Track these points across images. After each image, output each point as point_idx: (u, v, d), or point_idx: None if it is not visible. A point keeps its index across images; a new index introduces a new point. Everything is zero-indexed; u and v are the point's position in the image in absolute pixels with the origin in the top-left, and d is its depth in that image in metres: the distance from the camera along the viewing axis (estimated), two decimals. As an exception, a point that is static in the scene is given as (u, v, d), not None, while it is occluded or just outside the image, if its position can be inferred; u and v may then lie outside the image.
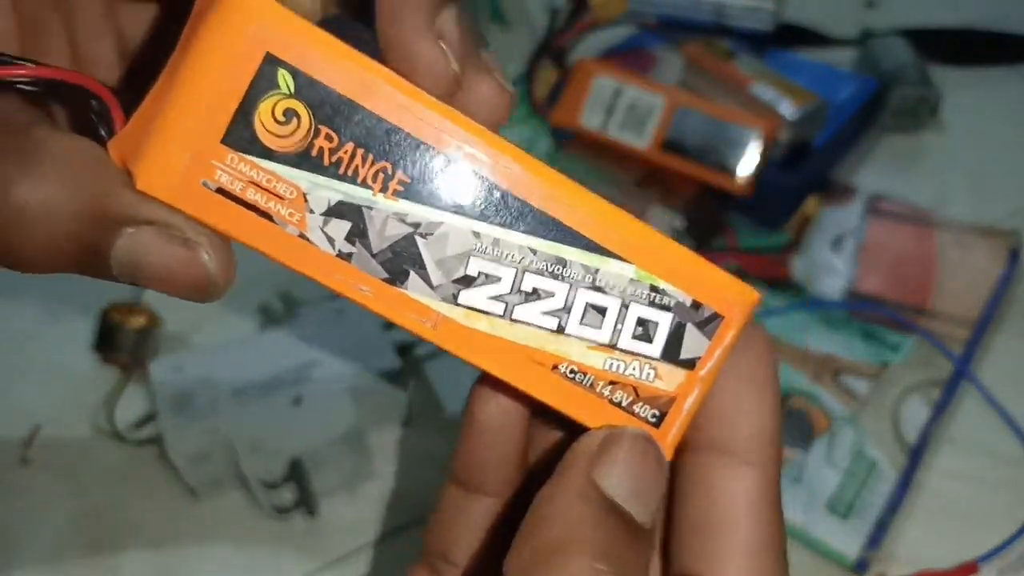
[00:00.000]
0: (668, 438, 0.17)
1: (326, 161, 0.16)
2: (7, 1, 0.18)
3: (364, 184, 0.16)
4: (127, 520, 0.38)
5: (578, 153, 0.50)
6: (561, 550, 0.14)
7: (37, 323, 0.47)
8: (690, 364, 0.17)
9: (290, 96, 0.15)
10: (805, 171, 0.49)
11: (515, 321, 0.17)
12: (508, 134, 0.63)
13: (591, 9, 0.55)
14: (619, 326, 0.17)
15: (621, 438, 0.16)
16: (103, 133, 0.16)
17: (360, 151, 0.16)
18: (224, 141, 0.15)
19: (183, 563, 0.36)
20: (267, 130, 0.15)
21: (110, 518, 0.38)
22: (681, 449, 0.17)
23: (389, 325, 0.42)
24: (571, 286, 0.17)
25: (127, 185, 0.15)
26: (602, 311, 0.17)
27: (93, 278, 0.16)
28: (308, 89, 0.15)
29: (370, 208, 0.16)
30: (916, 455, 0.38)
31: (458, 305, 0.17)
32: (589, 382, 0.17)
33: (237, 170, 0.15)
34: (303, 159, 0.16)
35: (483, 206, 0.16)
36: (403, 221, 0.16)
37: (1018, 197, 0.53)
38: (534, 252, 0.16)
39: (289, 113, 0.15)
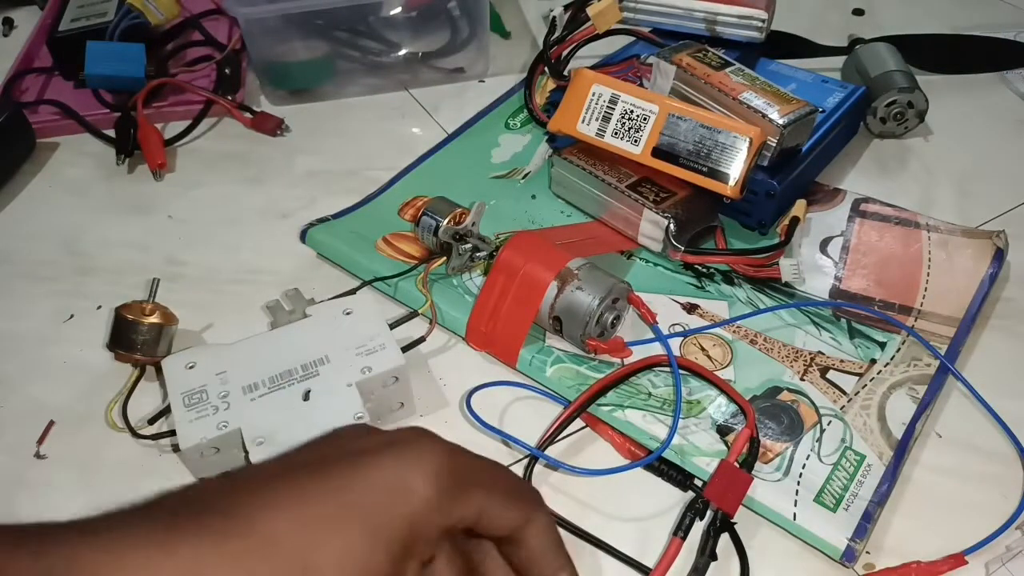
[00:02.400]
0: None
1: None
2: None
3: None
4: (140, 512, 0.38)
5: (575, 158, 0.51)
6: None
7: (52, 321, 0.48)
8: None
9: None
10: (794, 175, 0.50)
11: None
12: (509, 138, 0.65)
13: (588, 20, 0.56)
14: None
15: None
16: None
17: None
18: None
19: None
20: None
21: (124, 511, 0.39)
22: None
23: (394, 323, 0.44)
24: None
25: None
26: None
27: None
28: None
29: None
30: (903, 449, 0.39)
31: None
32: None
33: None
34: None
35: None
36: None
37: (1002, 199, 0.54)
38: None
39: None
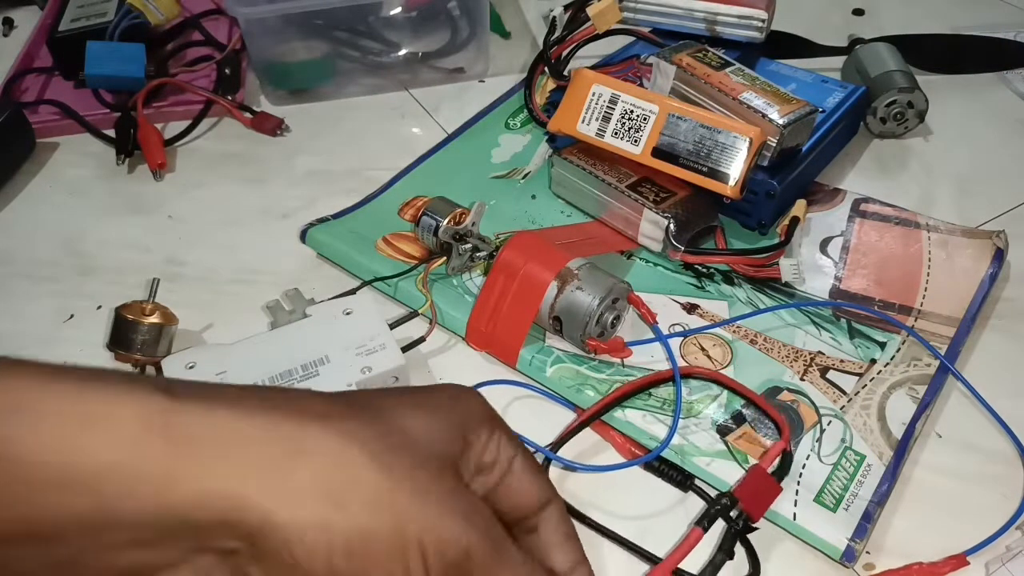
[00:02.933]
0: None
1: None
2: None
3: None
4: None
5: (575, 158, 0.51)
6: None
7: (52, 321, 0.48)
8: None
9: None
10: (794, 175, 0.50)
11: None
12: (509, 138, 0.65)
13: (588, 20, 0.56)
14: None
15: None
16: None
17: None
18: None
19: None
20: None
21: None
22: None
23: (394, 323, 0.44)
24: None
25: None
26: None
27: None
28: None
29: None
30: (903, 449, 0.39)
31: None
32: None
33: None
34: None
35: None
36: None
37: (1002, 199, 0.54)
38: None
39: None
